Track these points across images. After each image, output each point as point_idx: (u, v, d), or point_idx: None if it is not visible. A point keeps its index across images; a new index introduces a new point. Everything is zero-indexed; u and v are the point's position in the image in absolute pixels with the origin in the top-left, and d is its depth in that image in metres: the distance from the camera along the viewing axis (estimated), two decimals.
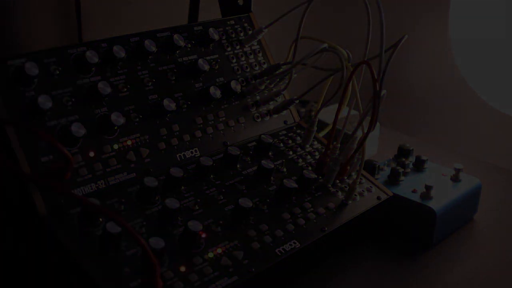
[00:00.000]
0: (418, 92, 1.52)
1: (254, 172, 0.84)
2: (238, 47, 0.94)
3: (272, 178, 0.84)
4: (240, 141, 0.89)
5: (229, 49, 0.93)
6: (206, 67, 0.87)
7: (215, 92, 0.86)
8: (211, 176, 0.81)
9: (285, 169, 0.87)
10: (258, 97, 0.93)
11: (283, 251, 0.75)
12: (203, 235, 0.72)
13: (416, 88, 1.52)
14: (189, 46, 0.88)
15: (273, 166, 0.84)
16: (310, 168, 0.89)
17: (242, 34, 0.95)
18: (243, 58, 0.94)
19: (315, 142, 0.95)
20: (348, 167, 0.87)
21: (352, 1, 1.48)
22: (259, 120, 0.92)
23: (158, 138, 0.81)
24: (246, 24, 0.96)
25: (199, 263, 0.70)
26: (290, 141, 0.93)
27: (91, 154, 0.74)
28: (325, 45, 0.87)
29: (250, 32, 0.95)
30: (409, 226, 0.92)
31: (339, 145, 0.87)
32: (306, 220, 0.80)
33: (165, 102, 0.81)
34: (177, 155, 0.82)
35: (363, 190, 0.89)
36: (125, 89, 0.80)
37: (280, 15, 0.91)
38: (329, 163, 0.87)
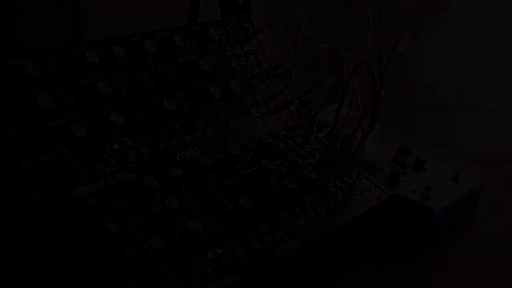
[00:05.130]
0: (418, 92, 1.52)
1: (254, 172, 0.84)
2: (238, 47, 0.94)
3: (272, 178, 0.84)
4: (240, 141, 0.89)
5: (229, 49, 0.92)
6: (206, 67, 0.87)
7: (215, 92, 0.86)
8: (211, 176, 0.81)
9: (285, 169, 0.87)
10: (258, 97, 0.93)
11: (283, 251, 0.75)
12: (203, 235, 0.72)
13: (416, 88, 1.52)
14: (189, 46, 0.88)
15: (273, 166, 0.84)
16: (310, 168, 0.89)
17: (242, 34, 0.95)
18: (243, 58, 0.94)
19: (315, 142, 0.95)
20: (348, 167, 0.87)
21: (352, 1, 1.48)
22: (259, 120, 0.92)
23: (158, 138, 0.80)
24: (246, 24, 0.96)
25: (199, 263, 0.70)
26: (290, 141, 0.93)
27: (91, 154, 0.74)
28: (325, 45, 0.87)
29: (250, 32, 0.95)
30: (409, 226, 0.91)
31: (339, 145, 0.87)
32: (306, 220, 0.80)
33: (165, 102, 0.80)
34: (177, 155, 0.82)
35: (363, 190, 0.89)
36: (125, 89, 0.80)
37: (280, 15, 0.91)
38: (329, 163, 0.87)
